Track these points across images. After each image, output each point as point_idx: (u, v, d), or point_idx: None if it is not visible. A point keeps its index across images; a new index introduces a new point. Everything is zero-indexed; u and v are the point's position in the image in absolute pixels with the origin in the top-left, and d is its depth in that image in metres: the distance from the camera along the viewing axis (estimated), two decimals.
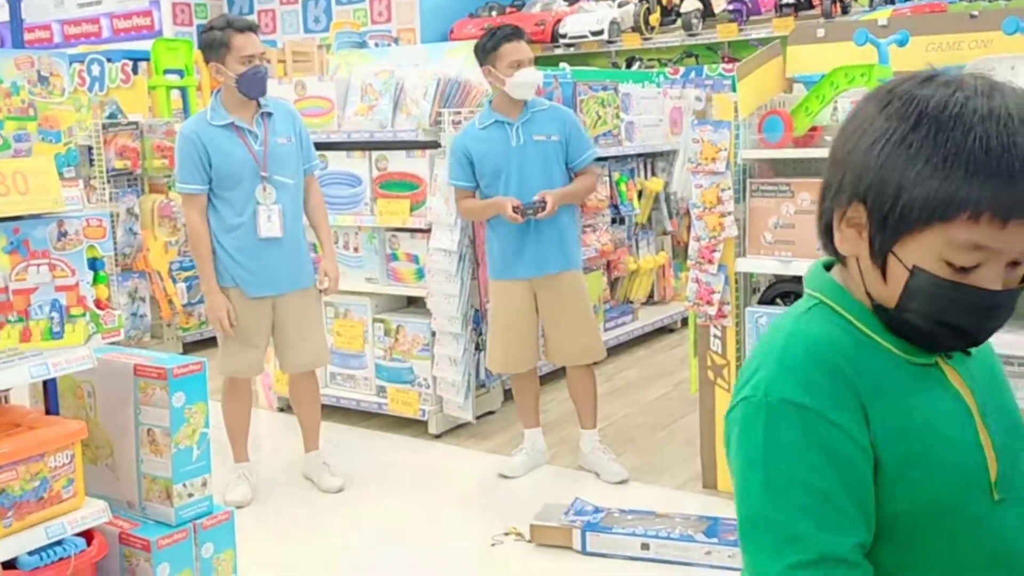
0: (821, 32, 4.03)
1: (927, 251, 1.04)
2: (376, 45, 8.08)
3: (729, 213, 3.86)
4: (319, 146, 4.40)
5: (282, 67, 7.58)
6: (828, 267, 1.22)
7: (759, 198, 3.85)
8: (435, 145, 4.64)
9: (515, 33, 4.09)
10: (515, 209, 3.95)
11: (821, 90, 3.76)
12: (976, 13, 3.65)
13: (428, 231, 4.62)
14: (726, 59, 9.33)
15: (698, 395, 4.11)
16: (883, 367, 1.10)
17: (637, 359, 6.15)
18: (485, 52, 4.07)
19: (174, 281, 6.07)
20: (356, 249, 4.89)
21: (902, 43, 3.59)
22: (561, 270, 4.14)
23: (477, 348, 4.72)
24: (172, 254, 6.09)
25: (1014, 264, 1.03)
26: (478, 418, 4.83)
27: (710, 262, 3.93)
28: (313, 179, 4.20)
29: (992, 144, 0.98)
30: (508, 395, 4.90)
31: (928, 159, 1.01)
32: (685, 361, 5.44)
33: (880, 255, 1.08)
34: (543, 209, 3.97)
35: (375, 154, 4.80)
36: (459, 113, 4.62)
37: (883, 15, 3.97)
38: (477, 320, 4.73)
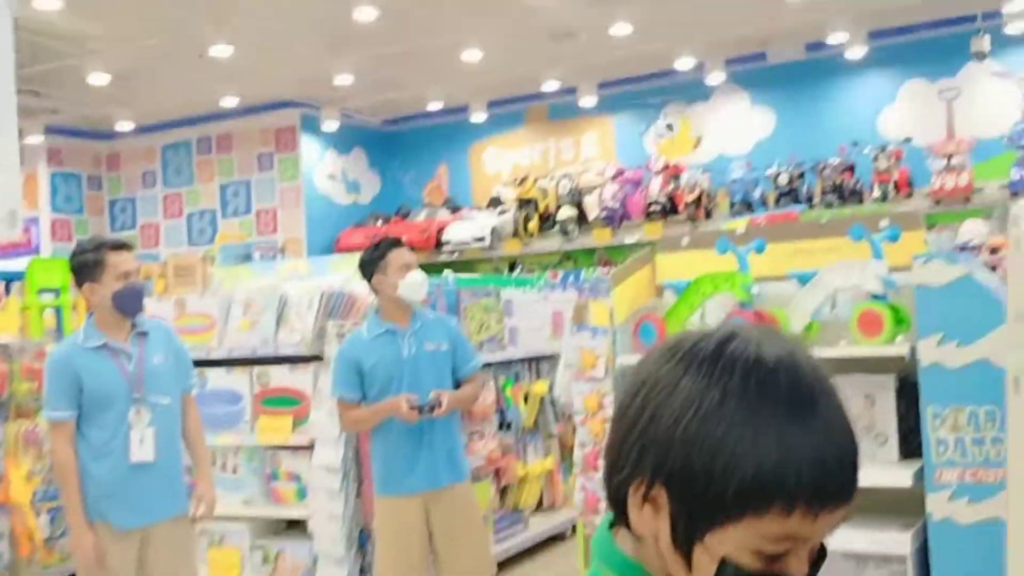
0: (686, 241, 4.25)
1: (737, 542, 0.95)
2: (261, 256, 8.14)
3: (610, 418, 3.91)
4: (199, 363, 4.30)
5: (163, 282, 7.53)
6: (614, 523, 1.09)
7: None
8: (319, 358, 4.61)
9: (398, 242, 4.22)
10: (411, 408, 3.90)
11: (689, 296, 3.93)
12: (824, 222, 3.93)
13: (311, 448, 4.50)
14: (602, 262, 9.74)
15: None
16: None
17: (527, 572, 5.97)
18: (373, 262, 4.13)
19: (36, 513, 5.67)
20: (234, 470, 4.71)
21: (760, 250, 3.82)
22: (453, 482, 4.06)
23: (363, 572, 4.51)
24: (35, 483, 5.72)
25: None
26: None
27: (595, 469, 3.93)
28: (190, 399, 4.08)
29: (808, 433, 0.93)
30: None
31: (740, 443, 0.92)
32: (580, 573, 5.30)
33: (685, 543, 0.97)
34: (439, 407, 3.94)
35: (256, 369, 4.72)
36: (343, 325, 4.62)
37: (741, 224, 4.24)
38: (363, 541, 4.54)
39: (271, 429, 4.59)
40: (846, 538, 3.11)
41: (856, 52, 8.80)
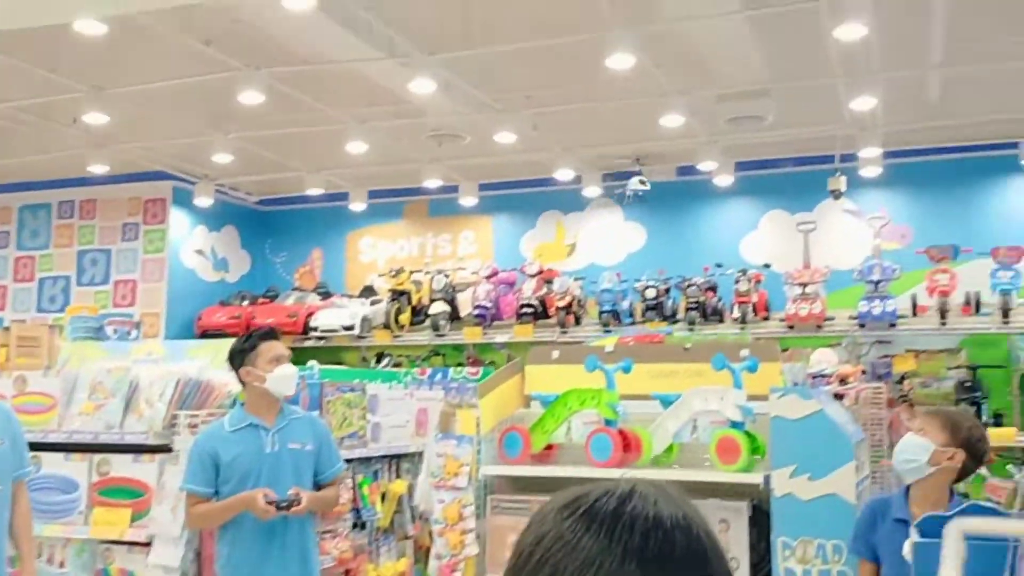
0: (556, 354, 4.30)
1: None
2: (115, 331, 7.76)
3: (471, 530, 3.84)
4: (34, 447, 4.02)
5: (5, 352, 7.06)
6: None
7: (499, 515, 3.87)
8: (167, 449, 4.37)
9: (271, 333, 4.14)
10: (268, 503, 3.74)
11: (556, 410, 3.95)
12: (689, 346, 4.05)
13: (148, 544, 4.23)
14: (471, 359, 9.73)
15: None
16: None
17: None
18: (243, 353, 4.01)
19: None
20: (62, 564, 4.37)
21: (627, 371, 3.89)
22: None
23: None
24: None
25: None
26: None
27: None
28: (22, 485, 3.80)
29: None
30: None
31: None
32: None
33: None
34: (297, 504, 3.79)
35: (97, 457, 4.43)
36: (196, 416, 4.42)
37: (610, 342, 4.32)
38: None
39: (106, 522, 4.30)
40: None
41: (724, 180, 9.26)
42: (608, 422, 3.79)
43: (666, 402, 3.80)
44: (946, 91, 7.94)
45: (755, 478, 3.42)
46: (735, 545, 3.54)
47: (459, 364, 8.98)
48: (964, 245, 7.92)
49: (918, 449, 3.14)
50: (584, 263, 10.08)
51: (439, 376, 7.37)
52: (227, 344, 4.28)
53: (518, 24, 7.01)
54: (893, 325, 7.87)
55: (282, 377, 3.98)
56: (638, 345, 4.26)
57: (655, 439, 3.75)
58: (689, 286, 8.44)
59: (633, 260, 9.82)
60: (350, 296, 10.41)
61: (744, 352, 3.76)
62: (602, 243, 10.14)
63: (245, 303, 10.38)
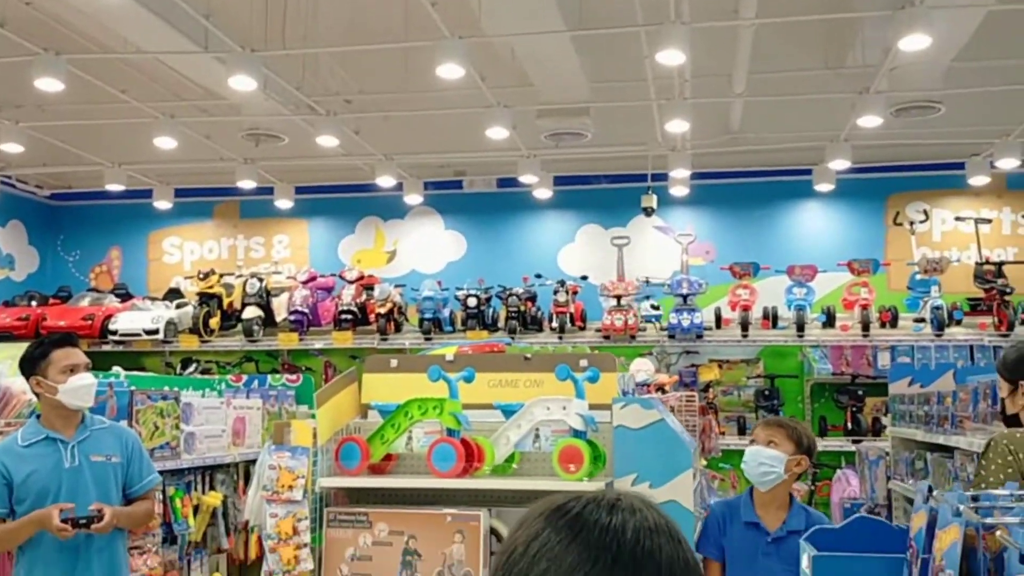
0: (395, 363, 4.23)
1: None
2: None
3: (306, 544, 3.71)
4: None
5: None
6: None
7: (336, 528, 3.76)
8: None
9: (65, 339, 3.84)
10: (65, 520, 3.46)
11: (396, 419, 3.88)
12: (529, 356, 4.09)
13: None
14: (286, 366, 9.44)
15: None
16: None
17: None
18: (33, 361, 3.71)
19: None
20: None
21: (469, 379, 3.88)
22: None
23: None
24: None
25: None
26: None
27: None
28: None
29: None
30: None
31: None
32: None
33: None
34: (99, 520, 3.53)
35: None
36: None
37: (449, 351, 4.30)
38: None
39: None
40: None
41: (543, 193, 9.48)
42: (450, 432, 3.76)
43: (508, 411, 3.81)
44: (747, 119, 8.51)
45: (597, 486, 3.49)
46: None
47: (273, 371, 8.69)
48: (763, 263, 8.48)
49: (773, 460, 3.43)
50: (404, 270, 10.03)
51: (256, 383, 7.09)
52: (23, 347, 3.96)
53: (343, 27, 6.90)
54: (700, 336, 8.30)
55: (76, 388, 3.69)
56: (478, 354, 4.26)
57: (497, 448, 3.76)
58: (510, 295, 8.57)
59: (453, 269, 9.87)
60: (153, 299, 9.84)
61: (584, 362, 3.84)
62: (423, 251, 10.13)
63: (34, 303, 9.60)
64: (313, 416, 4.11)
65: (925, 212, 9.34)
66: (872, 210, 9.47)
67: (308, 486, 3.77)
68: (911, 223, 9.00)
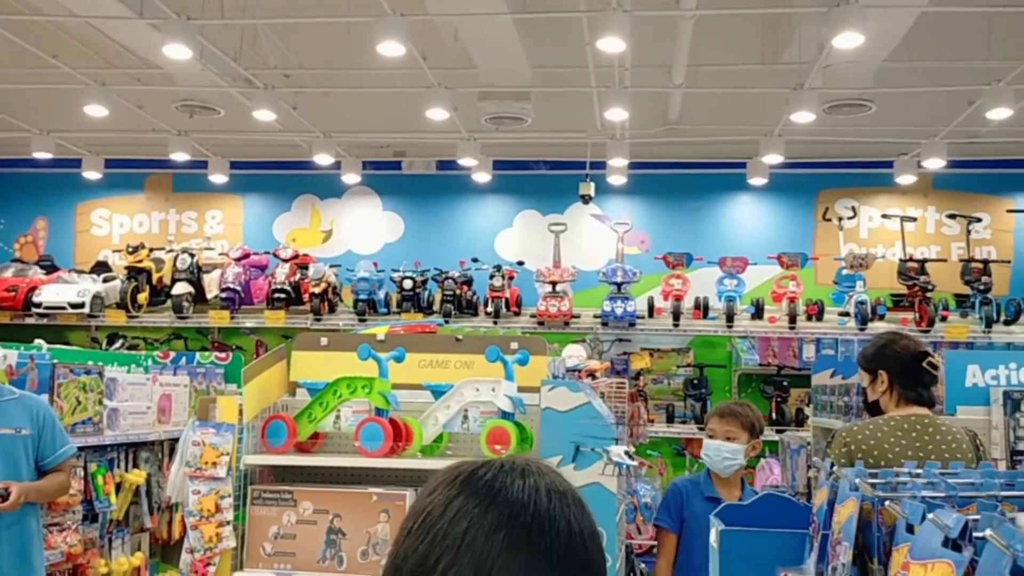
0: (324, 341, 4.21)
1: None
2: None
3: (228, 522, 3.68)
4: None
5: None
6: None
7: (260, 506, 3.74)
8: None
9: None
10: None
11: (325, 398, 3.87)
12: (460, 337, 4.10)
13: None
14: (216, 344, 9.30)
15: None
16: None
17: None
18: None
19: None
20: None
21: (399, 359, 3.88)
22: None
23: None
24: None
25: None
26: None
27: None
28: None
29: (581, 565, 1.08)
30: None
31: (539, 571, 1.05)
32: None
33: None
34: (4, 500, 3.47)
35: None
36: None
37: (381, 331, 4.29)
38: None
39: None
40: None
41: (482, 176, 9.47)
42: (379, 411, 3.76)
43: (437, 392, 3.83)
44: (685, 111, 8.61)
45: None
46: None
47: (203, 348, 8.55)
48: (696, 253, 8.60)
49: (734, 453, 3.87)
50: (340, 250, 9.94)
51: (183, 360, 6.97)
52: None
53: None
54: (632, 324, 8.39)
55: None
56: (409, 335, 4.26)
57: (426, 428, 3.77)
58: (446, 279, 8.55)
59: (390, 250, 9.81)
60: (80, 271, 9.59)
61: (514, 345, 3.87)
62: (359, 231, 10.04)
63: None
64: (240, 393, 4.06)
65: (853, 209, 9.56)
66: (803, 205, 9.66)
67: (232, 463, 3.73)
68: (840, 219, 9.20)
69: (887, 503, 1.17)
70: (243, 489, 3.77)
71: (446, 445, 3.86)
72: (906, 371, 3.20)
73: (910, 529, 1.08)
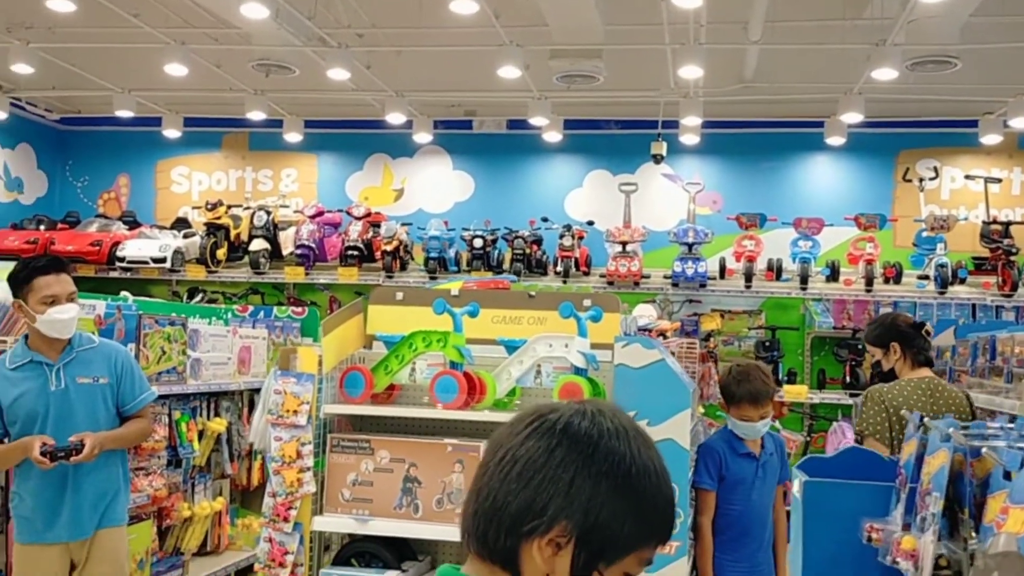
0: (400, 296, 4.29)
1: (623, 568, 1.23)
2: None
3: (309, 468, 3.79)
4: None
5: None
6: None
7: (339, 454, 3.84)
8: None
9: (52, 265, 3.70)
10: (44, 453, 3.47)
11: (400, 351, 3.95)
12: (534, 294, 4.14)
13: None
14: (291, 299, 9.51)
15: None
16: None
17: None
18: (17, 284, 3.65)
19: None
20: None
21: (473, 314, 3.94)
22: (103, 529, 3.71)
23: None
24: None
25: None
26: None
27: (285, 520, 3.78)
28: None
29: (666, 503, 1.27)
30: None
31: (637, 512, 1.22)
32: None
33: (585, 571, 1.21)
34: (78, 452, 3.53)
35: None
36: (4, 342, 4.09)
37: (456, 286, 4.34)
38: None
39: None
40: None
41: (552, 136, 9.43)
42: (454, 364, 3.82)
43: (511, 347, 3.87)
44: (761, 68, 8.43)
45: None
46: None
47: (279, 303, 8.75)
48: (770, 214, 8.47)
49: (767, 422, 4.08)
50: (411, 209, 10.04)
51: (261, 314, 7.15)
52: None
53: None
54: (703, 285, 8.33)
55: (54, 321, 3.61)
56: (483, 290, 4.31)
57: (499, 383, 3.83)
58: (516, 238, 8.58)
59: (460, 209, 9.87)
60: (161, 227, 9.87)
61: (587, 302, 3.89)
62: (430, 190, 10.12)
63: (42, 227, 9.64)
64: (318, 346, 4.16)
65: (935, 169, 9.29)
66: (882, 165, 9.42)
67: (312, 412, 3.84)
68: (920, 180, 8.95)
69: (984, 450, 1.17)
70: (323, 437, 3.88)
71: (518, 399, 3.91)
72: (912, 340, 3.84)
73: (1007, 476, 1.08)
